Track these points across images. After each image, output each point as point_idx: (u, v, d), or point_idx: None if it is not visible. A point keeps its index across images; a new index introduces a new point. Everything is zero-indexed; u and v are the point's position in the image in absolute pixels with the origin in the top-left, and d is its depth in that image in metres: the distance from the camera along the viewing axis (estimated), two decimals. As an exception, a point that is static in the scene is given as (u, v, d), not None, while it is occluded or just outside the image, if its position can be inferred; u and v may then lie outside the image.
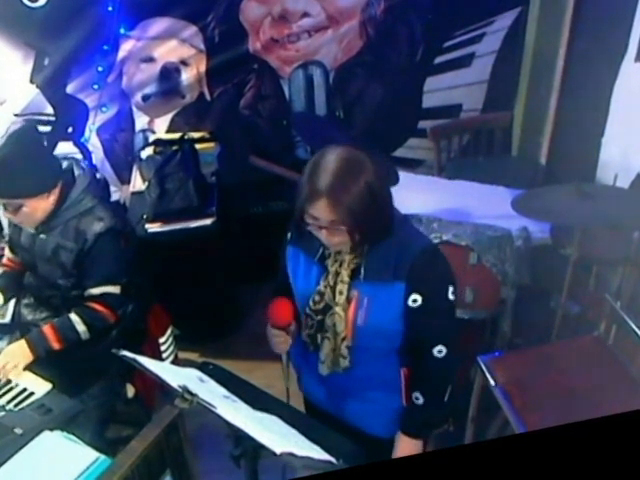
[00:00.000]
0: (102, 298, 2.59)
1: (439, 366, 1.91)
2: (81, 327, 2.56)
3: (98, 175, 3.64)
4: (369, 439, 2.00)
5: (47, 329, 2.54)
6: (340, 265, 1.87)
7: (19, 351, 2.47)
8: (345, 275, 1.86)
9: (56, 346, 2.53)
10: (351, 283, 1.86)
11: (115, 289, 2.60)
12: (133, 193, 3.80)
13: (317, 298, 1.91)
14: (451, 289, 1.86)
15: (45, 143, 3.05)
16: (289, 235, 2.02)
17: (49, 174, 2.52)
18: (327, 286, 1.89)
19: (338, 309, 1.87)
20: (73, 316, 2.57)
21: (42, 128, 3.48)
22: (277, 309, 1.94)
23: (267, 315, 1.94)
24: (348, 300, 1.86)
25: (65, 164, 2.64)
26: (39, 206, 2.50)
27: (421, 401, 1.92)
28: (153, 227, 3.49)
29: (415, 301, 1.82)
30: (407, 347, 1.92)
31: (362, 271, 1.84)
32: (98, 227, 2.56)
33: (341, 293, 1.86)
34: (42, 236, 2.62)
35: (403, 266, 1.81)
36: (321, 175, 1.71)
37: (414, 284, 1.81)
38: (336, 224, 1.74)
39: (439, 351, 1.88)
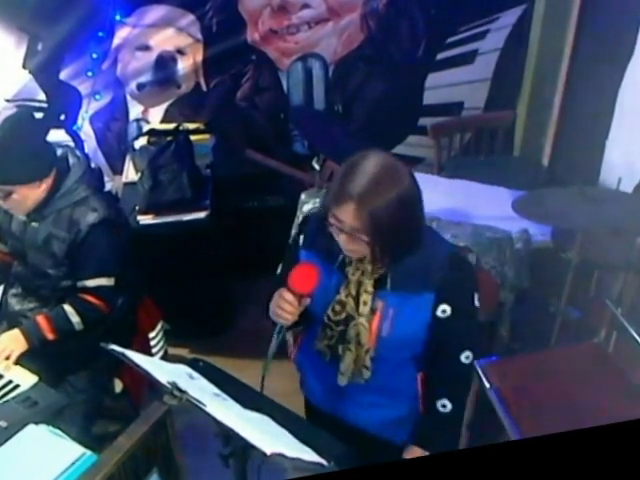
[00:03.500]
0: (96, 290, 2.58)
1: (466, 371, 1.93)
2: (75, 318, 2.56)
3: (93, 165, 3.61)
4: (372, 440, 1.99)
5: (41, 319, 2.53)
6: (362, 274, 1.80)
7: (14, 339, 2.47)
8: (369, 285, 1.79)
9: (50, 336, 2.53)
10: (375, 293, 1.80)
11: (109, 281, 2.59)
12: (126, 184, 3.76)
13: (338, 308, 1.84)
14: (477, 296, 1.85)
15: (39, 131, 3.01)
16: (301, 239, 1.93)
17: (42, 163, 2.49)
18: (349, 295, 1.82)
19: (362, 320, 1.81)
20: (67, 307, 2.57)
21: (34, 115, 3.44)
22: (302, 272, 1.75)
23: (288, 278, 1.75)
24: (372, 310, 1.81)
25: (60, 152, 2.61)
26: (30, 194, 2.47)
27: (449, 408, 1.89)
28: (145, 219, 3.45)
29: (444, 311, 1.80)
30: (431, 355, 1.89)
31: (389, 281, 1.78)
32: (92, 218, 2.53)
33: (365, 303, 1.80)
34: (34, 224, 2.59)
35: (432, 276, 1.77)
36: (356, 178, 1.64)
37: (444, 295, 1.79)
38: (359, 232, 1.67)
39: (467, 357, 1.88)
